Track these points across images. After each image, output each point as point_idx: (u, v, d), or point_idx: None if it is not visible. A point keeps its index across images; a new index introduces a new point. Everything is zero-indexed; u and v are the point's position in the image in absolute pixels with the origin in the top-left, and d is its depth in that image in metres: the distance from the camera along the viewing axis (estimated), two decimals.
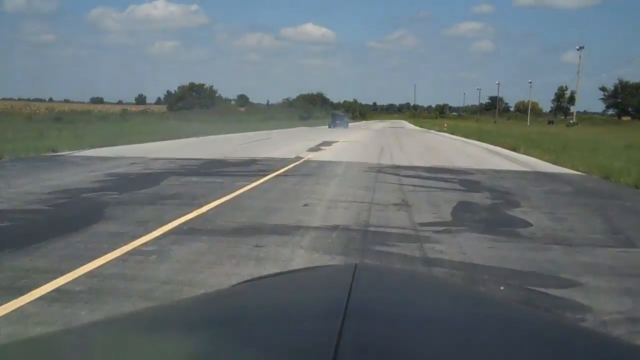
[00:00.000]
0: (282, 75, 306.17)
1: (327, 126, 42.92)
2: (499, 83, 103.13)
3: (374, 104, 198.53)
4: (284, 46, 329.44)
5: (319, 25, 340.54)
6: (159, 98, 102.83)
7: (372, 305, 0.86)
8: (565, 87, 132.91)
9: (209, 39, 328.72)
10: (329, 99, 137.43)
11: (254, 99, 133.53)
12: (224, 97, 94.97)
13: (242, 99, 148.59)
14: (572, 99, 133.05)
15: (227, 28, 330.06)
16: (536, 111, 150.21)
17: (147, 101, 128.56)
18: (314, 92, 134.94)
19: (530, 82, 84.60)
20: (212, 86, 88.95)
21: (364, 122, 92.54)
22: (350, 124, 51.91)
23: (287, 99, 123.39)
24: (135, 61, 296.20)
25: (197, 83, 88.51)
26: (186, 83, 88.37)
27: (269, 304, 0.95)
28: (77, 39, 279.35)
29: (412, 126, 72.86)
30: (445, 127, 49.41)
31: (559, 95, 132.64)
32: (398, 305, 0.92)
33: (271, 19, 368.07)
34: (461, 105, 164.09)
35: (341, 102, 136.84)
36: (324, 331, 0.72)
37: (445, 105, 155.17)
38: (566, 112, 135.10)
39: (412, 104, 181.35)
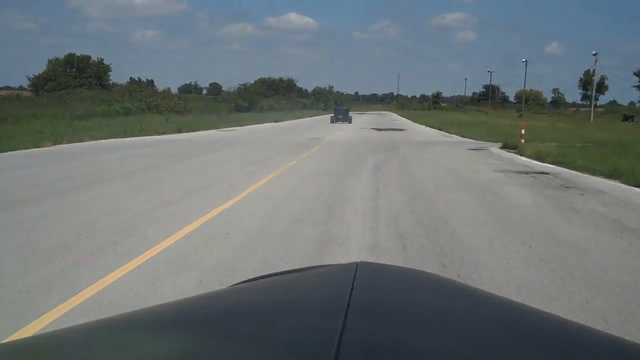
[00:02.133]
0: (261, 65, 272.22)
1: (330, 121, 38.66)
2: (526, 61, 70.13)
3: (356, 93, 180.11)
4: (266, 35, 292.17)
5: (302, 14, 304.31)
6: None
7: (373, 304, 0.83)
8: (593, 71, 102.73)
9: (189, 27, 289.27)
10: (296, 85, 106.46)
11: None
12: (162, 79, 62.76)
13: (215, 88, 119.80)
14: (601, 86, 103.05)
15: (209, 16, 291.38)
16: (539, 101, 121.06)
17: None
18: (276, 77, 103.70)
19: (596, 54, 51.69)
20: (102, 60, 55.93)
21: (323, 116, 60.48)
22: (291, 123, 38.37)
23: (244, 85, 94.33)
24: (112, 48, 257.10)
25: (78, 55, 55.40)
26: (61, 56, 55.29)
27: (270, 302, 0.92)
28: (57, 25, 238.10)
29: (414, 125, 40.67)
30: (523, 137, 17.86)
31: (585, 81, 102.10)
32: (400, 303, 0.89)
33: (254, 8, 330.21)
34: (449, 95, 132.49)
35: (310, 90, 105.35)
36: (326, 330, 0.70)
37: (438, 94, 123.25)
38: (594, 102, 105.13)
39: (395, 94, 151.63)
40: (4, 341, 0.85)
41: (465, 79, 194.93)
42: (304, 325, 0.75)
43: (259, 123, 34.44)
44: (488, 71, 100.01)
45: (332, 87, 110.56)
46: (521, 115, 71.65)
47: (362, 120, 46.92)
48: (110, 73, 56.41)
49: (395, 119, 57.37)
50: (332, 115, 41.03)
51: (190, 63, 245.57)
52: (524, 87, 73.58)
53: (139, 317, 0.89)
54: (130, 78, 77.66)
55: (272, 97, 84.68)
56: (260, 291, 1.01)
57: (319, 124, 36.15)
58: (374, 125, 37.12)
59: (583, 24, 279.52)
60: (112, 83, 56.21)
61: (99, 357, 0.72)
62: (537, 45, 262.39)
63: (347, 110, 42.51)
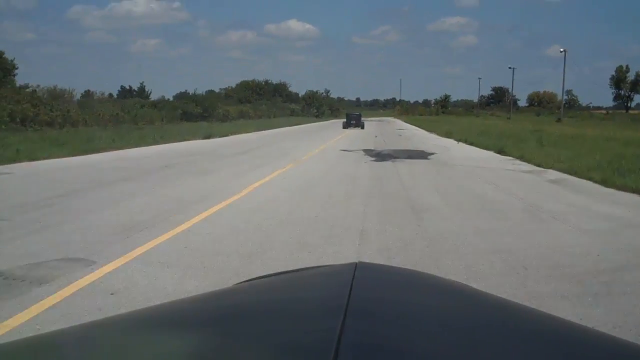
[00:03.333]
0: (263, 71, 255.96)
1: (342, 126, 38.92)
2: (564, 51, 54.18)
3: (357, 99, 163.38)
4: (266, 42, 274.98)
5: (303, 21, 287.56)
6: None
7: (372, 304, 0.82)
8: (627, 67, 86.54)
9: (191, 36, 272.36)
10: (286, 89, 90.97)
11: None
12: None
13: (213, 95, 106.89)
14: (636, 85, 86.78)
15: (209, 25, 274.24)
16: (555, 103, 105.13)
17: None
18: (261, 80, 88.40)
19: None
20: (2, 53, 40.15)
21: (310, 124, 45.89)
22: (230, 140, 23.34)
23: (226, 89, 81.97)
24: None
25: None
26: None
27: (270, 303, 0.91)
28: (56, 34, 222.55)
29: (431, 137, 24.86)
30: None
31: (618, 79, 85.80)
32: (398, 304, 0.89)
33: (254, 16, 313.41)
34: (454, 99, 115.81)
35: (300, 94, 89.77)
36: (325, 330, 0.69)
37: (447, 98, 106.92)
38: (628, 103, 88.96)
39: (398, 99, 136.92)
40: (4, 341, 0.81)
41: (479, 78, 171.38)
42: (303, 325, 0.74)
43: (174, 141, 18.95)
44: (509, 67, 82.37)
45: (329, 91, 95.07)
46: (559, 119, 56.11)
47: (353, 132, 31.33)
48: (16, 71, 41.02)
49: (401, 127, 41.78)
50: (345, 120, 41.49)
51: (190, 71, 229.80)
52: (563, 85, 57.66)
53: (139, 317, 0.87)
54: (121, 86, 67.45)
55: (254, 102, 69.43)
56: (259, 291, 0.99)
57: (273, 143, 20.49)
58: (370, 142, 21.34)
59: (588, 25, 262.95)
60: (22, 86, 40.92)
61: (99, 357, 0.70)
62: (540, 48, 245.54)
63: (360, 116, 41.36)
